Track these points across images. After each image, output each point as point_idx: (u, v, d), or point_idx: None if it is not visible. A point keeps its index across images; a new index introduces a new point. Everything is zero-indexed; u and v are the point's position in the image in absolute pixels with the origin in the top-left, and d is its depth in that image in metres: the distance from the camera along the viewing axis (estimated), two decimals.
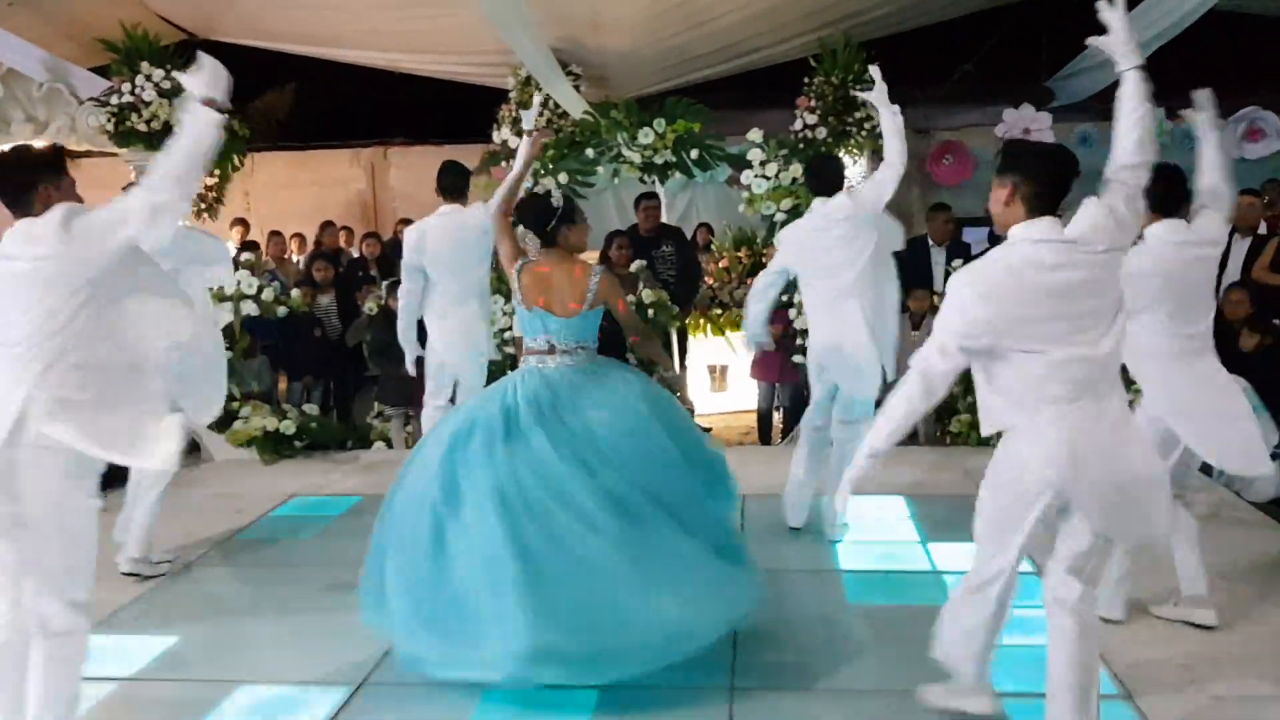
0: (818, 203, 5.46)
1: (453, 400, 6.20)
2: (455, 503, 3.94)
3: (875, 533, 5.67)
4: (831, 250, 5.31)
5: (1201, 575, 4.34)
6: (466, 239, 5.95)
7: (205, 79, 3.46)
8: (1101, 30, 3.38)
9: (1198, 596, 4.35)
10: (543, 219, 4.33)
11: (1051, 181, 3.16)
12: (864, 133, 9.58)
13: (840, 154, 9.75)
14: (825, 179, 5.55)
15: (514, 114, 10.80)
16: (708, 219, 10.81)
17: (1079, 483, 3.06)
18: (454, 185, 6.11)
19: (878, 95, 5.34)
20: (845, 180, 5.78)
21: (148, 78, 9.11)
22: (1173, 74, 9.96)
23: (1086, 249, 3.09)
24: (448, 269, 5.99)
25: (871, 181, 5.41)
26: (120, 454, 3.30)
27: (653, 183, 8.27)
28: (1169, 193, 4.05)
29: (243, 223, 11.22)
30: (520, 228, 4.99)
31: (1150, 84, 3.34)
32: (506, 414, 4.07)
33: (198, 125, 3.42)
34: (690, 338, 8.92)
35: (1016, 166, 3.21)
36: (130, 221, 3.32)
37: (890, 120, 5.25)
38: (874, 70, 5.39)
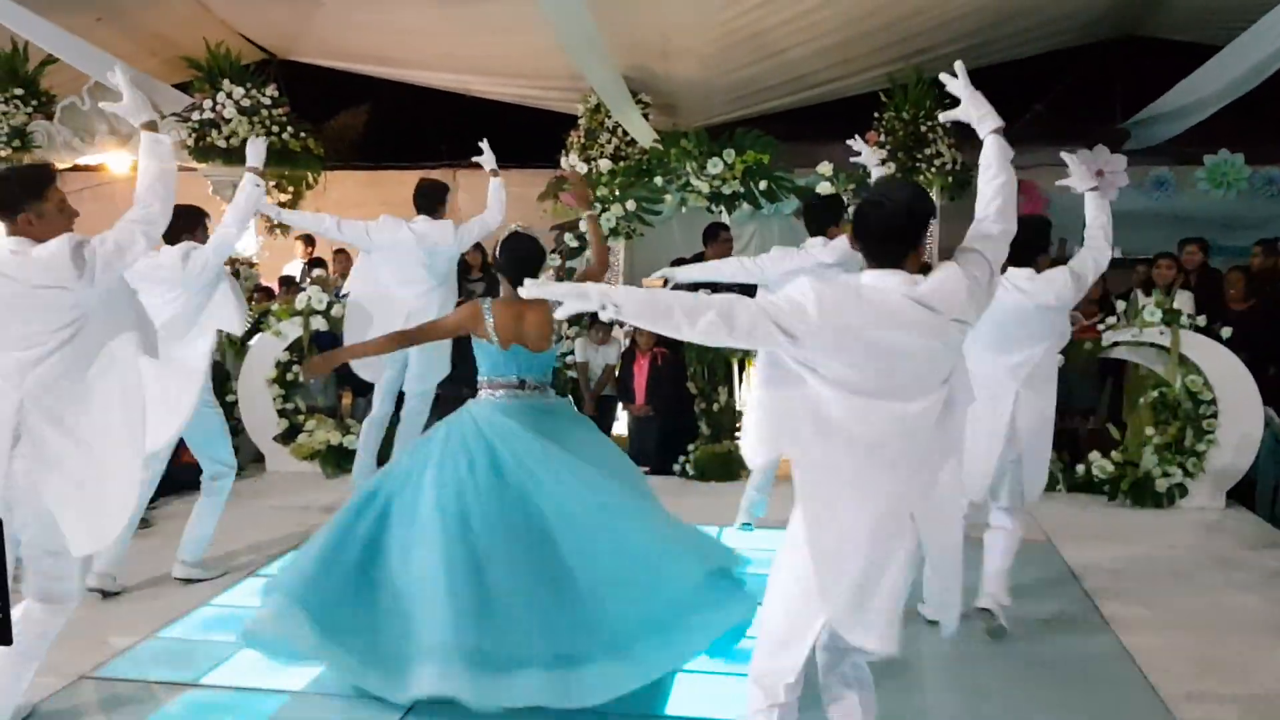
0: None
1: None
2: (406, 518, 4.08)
3: None
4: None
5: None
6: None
7: (131, 107, 3.79)
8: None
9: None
10: (537, 267, 4.42)
11: (874, 236, 2.83)
12: (934, 169, 9.54)
13: None
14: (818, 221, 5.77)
15: (582, 140, 10.91)
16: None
17: None
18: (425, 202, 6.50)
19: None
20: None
21: (228, 95, 9.32)
22: (1253, 120, 9.87)
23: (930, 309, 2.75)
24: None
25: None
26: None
27: (720, 213, 8.27)
28: (1026, 243, 3.92)
29: (309, 240, 11.40)
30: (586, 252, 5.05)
31: (1010, 150, 3.10)
32: (487, 445, 4.15)
33: (157, 148, 3.70)
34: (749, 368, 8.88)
35: (855, 218, 2.91)
36: (137, 246, 3.58)
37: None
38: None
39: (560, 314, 2.71)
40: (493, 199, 6.46)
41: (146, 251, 3.64)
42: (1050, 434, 4.69)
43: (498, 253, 4.55)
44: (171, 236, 4.71)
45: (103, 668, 4.30)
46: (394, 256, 6.36)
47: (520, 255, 4.42)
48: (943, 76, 3.34)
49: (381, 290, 6.42)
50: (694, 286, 5.14)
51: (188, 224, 5.00)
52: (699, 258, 8.44)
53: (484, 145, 6.50)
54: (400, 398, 6.75)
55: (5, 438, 3.41)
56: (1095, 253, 4.53)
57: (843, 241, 5.41)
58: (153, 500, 5.72)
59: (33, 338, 3.43)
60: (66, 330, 3.47)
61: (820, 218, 5.76)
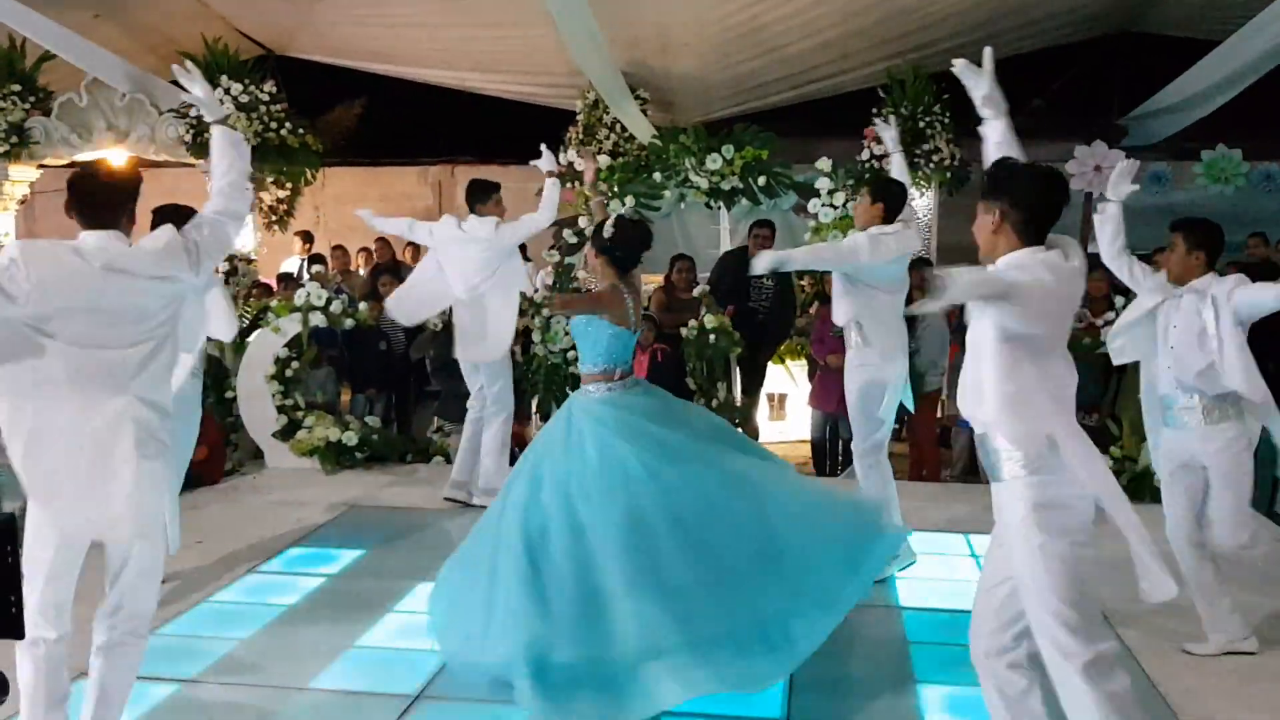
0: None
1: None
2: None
3: (935, 570, 5.59)
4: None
5: None
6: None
7: (207, 101, 3.78)
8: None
9: None
10: (641, 250, 4.42)
11: (1045, 207, 2.95)
12: (932, 165, 9.54)
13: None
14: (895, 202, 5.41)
15: (580, 136, 10.92)
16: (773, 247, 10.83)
17: None
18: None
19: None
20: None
21: (227, 91, 9.29)
22: (1251, 116, 9.87)
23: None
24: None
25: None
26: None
27: (719, 209, 8.27)
28: None
29: (307, 236, 11.39)
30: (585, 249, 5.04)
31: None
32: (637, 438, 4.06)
33: (238, 146, 3.67)
34: (771, 365, 8.90)
35: (1006, 190, 2.97)
36: (230, 239, 3.59)
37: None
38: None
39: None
40: (546, 199, 6.47)
41: (234, 246, 3.63)
42: None
43: (609, 238, 4.37)
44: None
45: None
46: (445, 252, 6.60)
47: (638, 241, 4.40)
48: (961, 65, 3.43)
49: (437, 280, 6.64)
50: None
51: (179, 223, 4.95)
52: (742, 251, 8.44)
53: (544, 148, 6.52)
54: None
55: (127, 444, 3.21)
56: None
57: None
58: None
59: (143, 333, 3.32)
60: (169, 325, 3.40)
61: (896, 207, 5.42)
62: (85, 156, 9.53)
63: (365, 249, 11.57)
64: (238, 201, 3.60)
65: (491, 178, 6.93)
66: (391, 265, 10.19)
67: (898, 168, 5.64)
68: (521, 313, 7.13)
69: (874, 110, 9.79)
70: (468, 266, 6.49)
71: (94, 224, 3.31)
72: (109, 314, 3.23)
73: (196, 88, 3.77)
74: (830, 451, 8.11)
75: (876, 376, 5.36)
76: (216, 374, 7.75)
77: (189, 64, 3.91)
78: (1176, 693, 4.10)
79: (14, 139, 9.54)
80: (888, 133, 5.78)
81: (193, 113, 9.34)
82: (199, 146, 9.42)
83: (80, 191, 3.35)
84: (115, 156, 10.10)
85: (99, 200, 3.35)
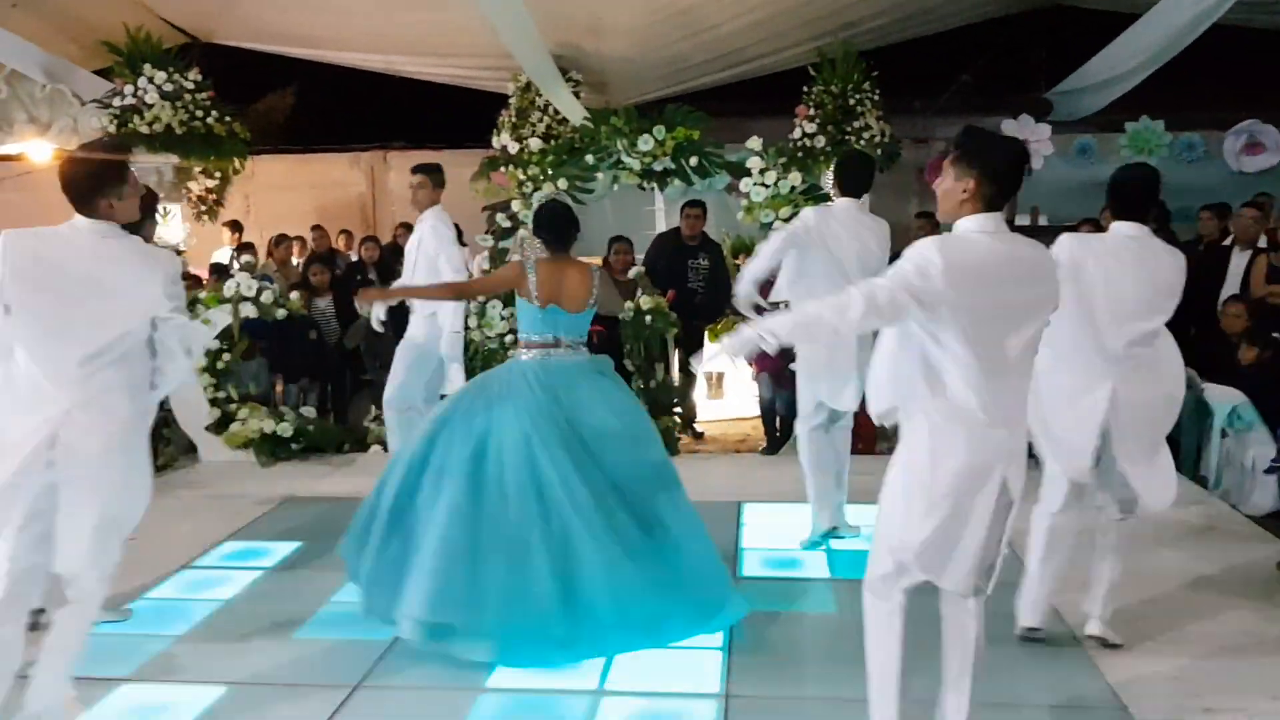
0: (846, 202, 5.41)
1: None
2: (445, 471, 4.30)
3: None
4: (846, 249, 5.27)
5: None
6: None
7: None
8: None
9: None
10: (570, 231, 4.72)
11: (1014, 182, 3.06)
12: (862, 142, 9.63)
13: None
14: (858, 180, 5.48)
15: (513, 119, 10.86)
16: (706, 227, 10.87)
17: None
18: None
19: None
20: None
21: (150, 80, 9.13)
22: (1173, 88, 10.06)
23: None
24: None
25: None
26: None
27: (652, 190, 8.28)
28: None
29: (236, 226, 11.22)
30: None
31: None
32: (532, 399, 4.38)
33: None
34: (708, 344, 8.93)
35: (978, 158, 3.02)
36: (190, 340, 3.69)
37: None
38: None
39: (727, 360, 3.12)
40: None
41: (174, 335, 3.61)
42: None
43: (535, 218, 4.92)
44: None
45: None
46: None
47: (560, 217, 4.73)
48: None
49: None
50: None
51: (147, 212, 4.88)
52: (675, 233, 8.48)
53: None
54: None
55: (40, 444, 3.33)
56: None
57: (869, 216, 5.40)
58: None
59: (94, 337, 3.39)
60: (125, 341, 3.47)
61: (864, 181, 5.50)
62: (6, 150, 9.33)
63: (300, 238, 11.44)
64: (189, 334, 3.68)
65: (425, 162, 6.83)
66: (326, 255, 10.10)
67: None
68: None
69: (804, 89, 9.88)
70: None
71: (78, 210, 3.47)
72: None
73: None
74: (780, 422, 8.11)
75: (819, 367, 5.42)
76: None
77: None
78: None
79: None
80: None
81: (115, 103, 9.17)
82: (123, 137, 9.25)
83: (59, 178, 3.47)
84: (37, 149, 9.90)
85: (73, 189, 3.45)
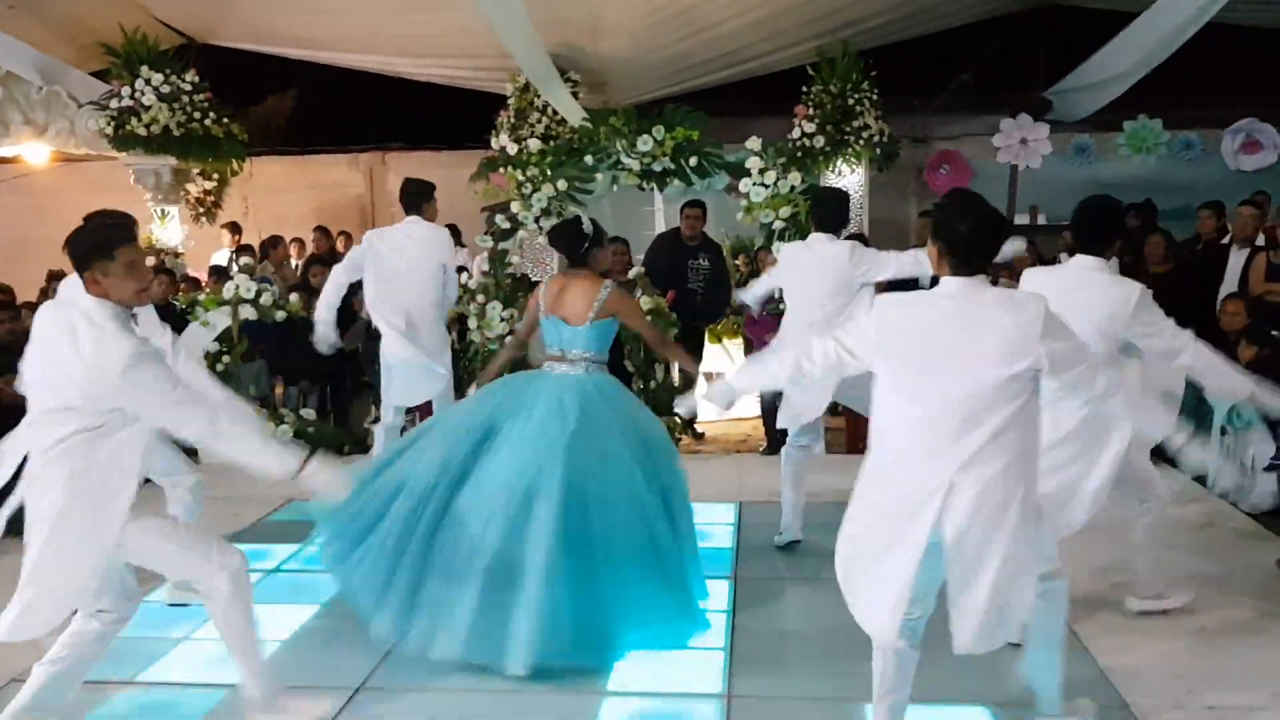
0: (822, 237, 5.50)
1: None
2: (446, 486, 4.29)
3: None
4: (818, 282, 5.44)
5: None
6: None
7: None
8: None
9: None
10: (576, 244, 4.65)
11: (979, 252, 3.11)
12: (861, 141, 9.62)
13: (838, 162, 9.78)
14: (836, 216, 5.58)
15: (511, 120, 10.84)
16: (706, 227, 10.89)
17: None
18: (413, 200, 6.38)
19: None
20: (849, 220, 5.82)
21: (147, 81, 9.13)
22: (1171, 86, 10.06)
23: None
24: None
25: (878, 260, 5.41)
26: None
27: (651, 190, 8.28)
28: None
29: (235, 228, 11.21)
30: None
31: None
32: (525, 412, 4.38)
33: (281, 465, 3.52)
34: (709, 345, 8.98)
35: (942, 229, 3.13)
36: (185, 428, 3.43)
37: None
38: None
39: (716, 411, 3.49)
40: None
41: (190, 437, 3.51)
42: None
43: (548, 233, 5.05)
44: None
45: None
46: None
47: (566, 230, 4.72)
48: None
49: (391, 289, 6.39)
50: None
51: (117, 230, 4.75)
52: (675, 233, 8.46)
53: None
54: None
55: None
56: None
57: (843, 248, 5.46)
58: None
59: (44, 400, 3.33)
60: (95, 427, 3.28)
61: (840, 218, 5.62)
62: (2, 152, 9.32)
63: (298, 239, 11.43)
64: (226, 440, 3.40)
65: (423, 163, 6.86)
66: (327, 256, 10.08)
67: None
68: (458, 299, 7.10)
69: (803, 89, 9.87)
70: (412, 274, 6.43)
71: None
72: None
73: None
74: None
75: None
76: None
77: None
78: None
79: None
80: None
81: (112, 104, 9.16)
82: (120, 139, 9.25)
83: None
84: (34, 151, 9.89)
85: (71, 253, 3.31)
